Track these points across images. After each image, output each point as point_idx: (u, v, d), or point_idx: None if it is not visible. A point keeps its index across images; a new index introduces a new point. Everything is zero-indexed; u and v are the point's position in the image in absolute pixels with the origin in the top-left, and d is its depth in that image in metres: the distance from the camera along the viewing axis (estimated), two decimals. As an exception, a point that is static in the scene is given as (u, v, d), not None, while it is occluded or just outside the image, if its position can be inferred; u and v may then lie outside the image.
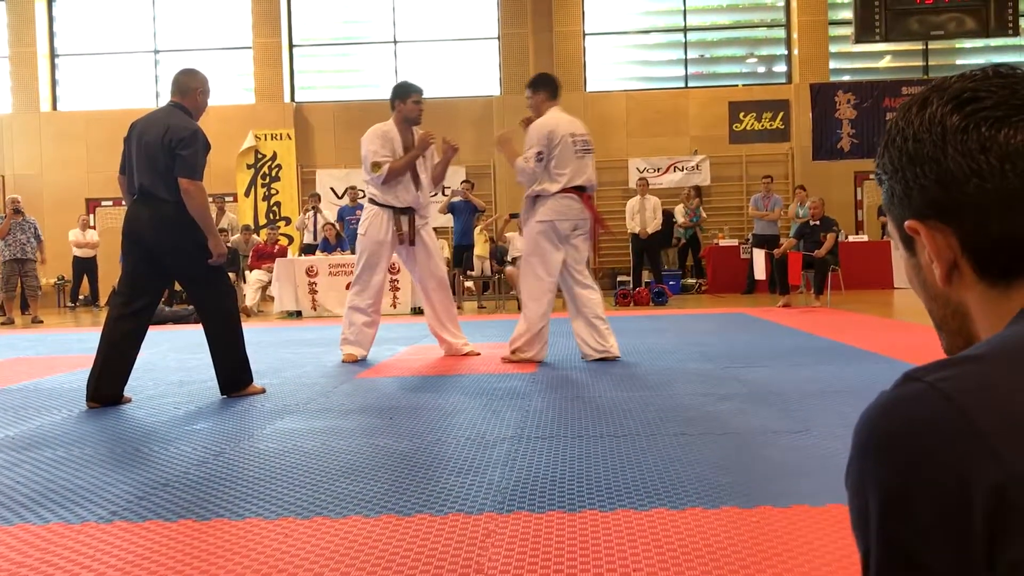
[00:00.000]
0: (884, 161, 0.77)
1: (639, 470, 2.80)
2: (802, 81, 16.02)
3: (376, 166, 5.81)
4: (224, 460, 3.14)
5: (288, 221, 15.60)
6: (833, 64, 16.53)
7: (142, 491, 2.75)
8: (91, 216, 15.68)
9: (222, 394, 4.56)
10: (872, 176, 15.81)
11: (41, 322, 11.43)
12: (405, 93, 5.99)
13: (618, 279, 14.60)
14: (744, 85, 16.66)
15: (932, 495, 0.58)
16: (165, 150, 4.33)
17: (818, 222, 10.48)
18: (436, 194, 6.55)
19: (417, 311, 11.37)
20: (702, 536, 2.13)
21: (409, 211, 5.96)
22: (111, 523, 2.43)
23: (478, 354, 6.24)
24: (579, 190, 5.63)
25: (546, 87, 5.71)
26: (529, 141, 5.53)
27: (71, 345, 7.96)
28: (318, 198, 14.21)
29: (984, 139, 0.68)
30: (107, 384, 4.38)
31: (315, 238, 12.95)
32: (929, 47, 16.40)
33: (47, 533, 2.36)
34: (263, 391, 4.68)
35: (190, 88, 4.65)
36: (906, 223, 0.74)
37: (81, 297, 15.11)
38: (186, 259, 4.44)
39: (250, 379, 4.62)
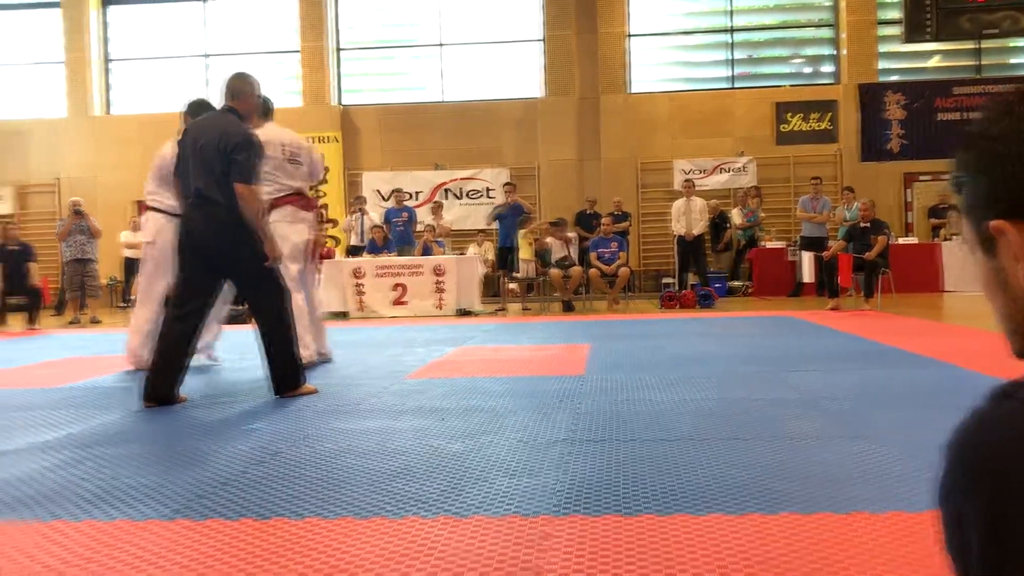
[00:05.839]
0: (967, 161, 0.77)
1: (694, 474, 2.79)
2: (850, 81, 15.83)
3: None
4: (282, 460, 3.19)
5: (335, 223, 15.75)
6: (882, 64, 16.30)
7: (202, 489, 2.80)
8: (142, 218, 15.94)
9: (275, 394, 4.63)
10: (922, 178, 15.63)
11: (99, 322, 11.67)
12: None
13: (663, 281, 14.54)
14: (791, 86, 16.49)
15: None
16: (221, 155, 4.40)
17: (868, 224, 10.34)
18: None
19: (462, 312, 11.43)
20: (762, 542, 2.12)
21: None
22: (174, 520, 2.48)
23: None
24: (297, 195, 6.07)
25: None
26: None
27: (123, 345, 8.09)
28: (363, 200, 14.33)
29: None
30: (163, 384, 4.46)
31: (362, 240, 13.07)
32: (982, 46, 16.10)
33: (113, 530, 2.42)
34: (315, 391, 4.74)
35: (243, 92, 4.72)
36: (991, 223, 0.74)
37: (132, 297, 15.38)
38: (241, 261, 4.51)
39: (303, 379, 4.68)
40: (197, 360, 6.35)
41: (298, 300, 5.83)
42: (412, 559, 2.08)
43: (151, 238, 6.01)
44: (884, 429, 3.51)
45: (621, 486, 2.67)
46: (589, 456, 3.09)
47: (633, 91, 16.56)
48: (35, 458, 3.34)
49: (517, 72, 16.92)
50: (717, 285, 13.05)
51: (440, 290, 11.52)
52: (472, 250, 14.30)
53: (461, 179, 16.38)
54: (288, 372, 4.60)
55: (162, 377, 4.45)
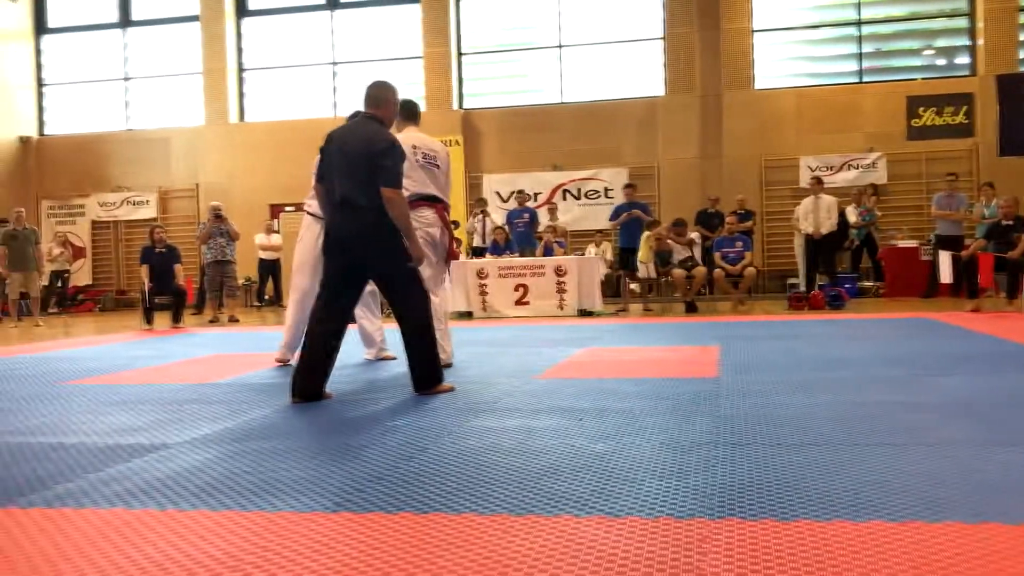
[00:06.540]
0: None
1: (847, 480, 2.74)
2: (987, 72, 15.12)
3: None
4: (430, 456, 3.28)
5: (457, 225, 16.01)
6: (1023, 53, 15.53)
7: (359, 483, 2.91)
8: (275, 221, 16.58)
9: (415, 391, 4.76)
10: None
11: (237, 320, 12.20)
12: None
13: (788, 282, 14.21)
14: (923, 79, 15.87)
15: None
16: (367, 161, 4.55)
17: (1011, 222, 9.88)
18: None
19: (583, 313, 11.45)
20: (928, 550, 2.07)
21: None
22: (337, 513, 2.59)
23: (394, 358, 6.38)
24: (431, 200, 5.91)
25: (401, 111, 5.86)
26: None
27: (264, 343, 8.45)
28: (485, 203, 14.52)
29: None
30: (310, 381, 4.65)
31: (484, 241, 13.25)
32: None
33: (281, 520, 2.54)
34: (453, 389, 4.86)
35: (384, 100, 4.88)
36: None
37: (266, 297, 16.01)
38: (386, 263, 4.66)
39: (441, 377, 4.81)
40: (364, 356, 6.66)
41: (436, 302, 5.94)
42: (573, 557, 2.12)
43: (301, 238, 6.34)
44: (1044, 437, 3.36)
45: (773, 490, 2.65)
46: (735, 459, 3.08)
47: (757, 87, 16.25)
48: (197, 451, 3.54)
49: (637, 71, 16.84)
50: (847, 285, 12.68)
51: (562, 290, 11.58)
52: (591, 250, 14.31)
53: (579, 179, 16.41)
54: (428, 370, 4.74)
55: (309, 374, 4.64)
